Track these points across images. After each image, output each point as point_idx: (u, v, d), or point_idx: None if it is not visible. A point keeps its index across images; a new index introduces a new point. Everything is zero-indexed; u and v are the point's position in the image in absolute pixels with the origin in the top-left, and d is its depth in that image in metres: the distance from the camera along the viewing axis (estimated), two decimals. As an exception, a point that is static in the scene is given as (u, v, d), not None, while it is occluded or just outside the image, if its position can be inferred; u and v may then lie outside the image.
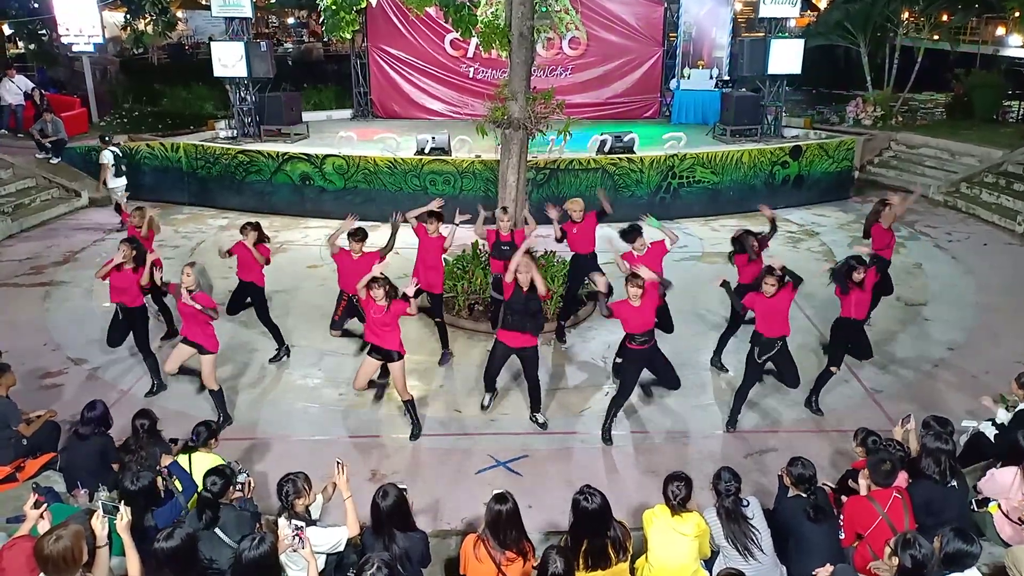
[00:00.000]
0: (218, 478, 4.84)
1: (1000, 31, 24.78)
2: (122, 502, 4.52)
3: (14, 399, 6.50)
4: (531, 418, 7.60)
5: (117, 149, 13.61)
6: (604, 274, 7.43)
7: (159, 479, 5.20)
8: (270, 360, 8.80)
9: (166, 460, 5.63)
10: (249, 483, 5.33)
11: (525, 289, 7.07)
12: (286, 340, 8.95)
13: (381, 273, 7.00)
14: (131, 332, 8.06)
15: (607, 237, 8.39)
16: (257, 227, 8.46)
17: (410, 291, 6.97)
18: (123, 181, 13.63)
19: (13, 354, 7.61)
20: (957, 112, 19.92)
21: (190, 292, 7.07)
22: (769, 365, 7.50)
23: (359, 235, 8.24)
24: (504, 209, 8.81)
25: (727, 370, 8.58)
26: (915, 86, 20.45)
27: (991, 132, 17.83)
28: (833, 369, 7.66)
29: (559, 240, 8.94)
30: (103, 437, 5.99)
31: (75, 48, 18.58)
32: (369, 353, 7.21)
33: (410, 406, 7.37)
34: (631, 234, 7.99)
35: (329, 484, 5.28)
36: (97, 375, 8.48)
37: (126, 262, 7.67)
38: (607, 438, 7.29)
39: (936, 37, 22.14)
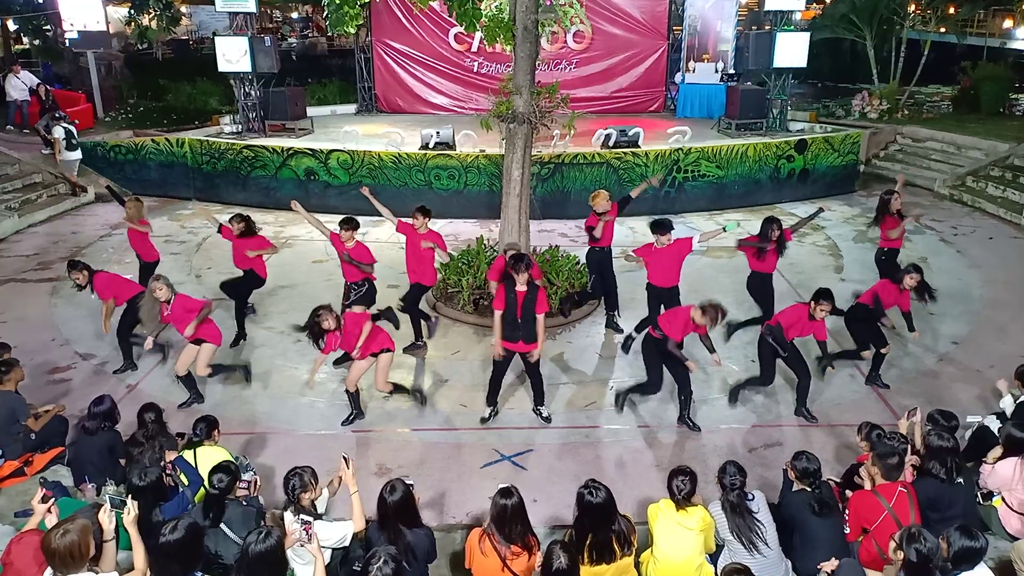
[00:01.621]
0: (224, 475, 4.86)
1: (1007, 23, 24.68)
2: (129, 496, 4.55)
3: (23, 394, 6.55)
4: (534, 411, 7.61)
5: (69, 125, 14.58)
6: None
7: (163, 474, 5.22)
8: (231, 345, 8.88)
9: (170, 455, 5.65)
10: (255, 482, 5.36)
11: (520, 299, 7.04)
12: (292, 332, 9.01)
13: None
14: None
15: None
16: (245, 219, 8.81)
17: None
18: (77, 155, 14.70)
19: (21, 349, 7.66)
20: (963, 105, 19.84)
21: (168, 303, 7.15)
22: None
23: (351, 224, 8.38)
24: (513, 247, 8.83)
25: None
26: (921, 79, 20.39)
27: (998, 125, 17.76)
28: (865, 354, 7.87)
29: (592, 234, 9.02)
30: (111, 432, 6.03)
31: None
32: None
33: (396, 390, 7.49)
34: (661, 228, 8.04)
35: (335, 478, 5.30)
36: (105, 370, 8.50)
37: (83, 284, 7.97)
38: (620, 405, 7.46)
39: (943, 30, 22.04)
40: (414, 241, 8.52)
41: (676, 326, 6.95)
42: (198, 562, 4.13)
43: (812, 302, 7.02)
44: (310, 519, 4.40)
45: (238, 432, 7.24)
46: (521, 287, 7.01)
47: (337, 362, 8.40)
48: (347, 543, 4.85)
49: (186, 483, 5.36)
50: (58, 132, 14.39)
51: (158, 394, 7.88)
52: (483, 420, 7.53)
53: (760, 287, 8.73)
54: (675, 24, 19.82)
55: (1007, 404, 6.49)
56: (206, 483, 5.40)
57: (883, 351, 7.95)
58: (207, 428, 5.76)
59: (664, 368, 7.27)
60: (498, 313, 7.14)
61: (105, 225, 13.72)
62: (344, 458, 5.02)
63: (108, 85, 20.03)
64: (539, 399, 7.58)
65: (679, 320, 6.96)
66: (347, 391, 7.46)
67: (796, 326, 7.15)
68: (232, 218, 8.82)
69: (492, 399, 7.58)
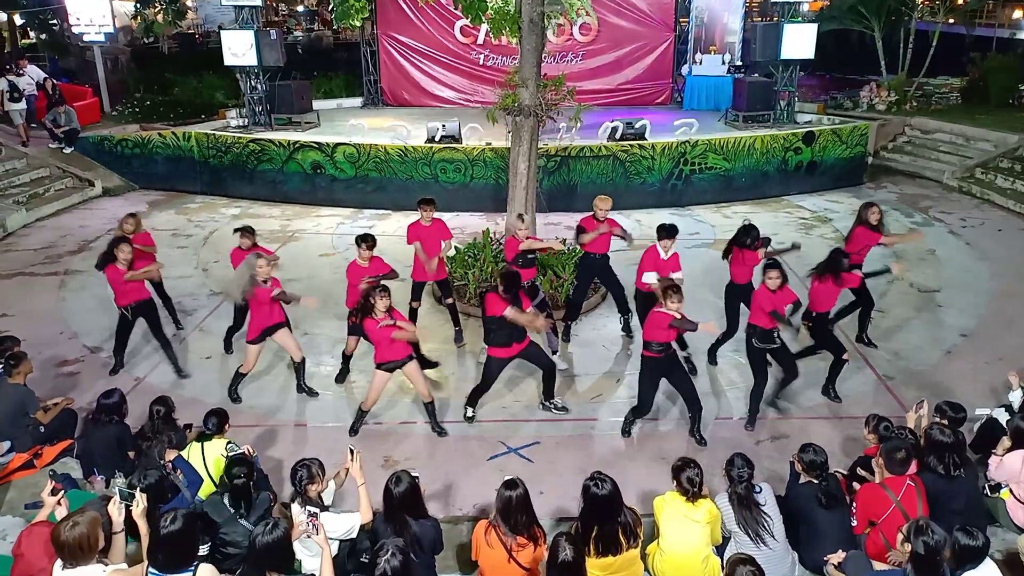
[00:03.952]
0: (242, 467, 4.90)
1: (1017, 14, 24.50)
2: (138, 489, 4.58)
3: (31, 387, 6.58)
4: (543, 405, 7.53)
5: (16, 78, 15.96)
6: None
7: (165, 473, 5.24)
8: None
9: (171, 455, 5.60)
10: (248, 450, 5.38)
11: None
12: (299, 326, 9.01)
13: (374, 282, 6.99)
14: (148, 324, 8.13)
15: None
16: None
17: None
18: (22, 105, 15.85)
19: (30, 342, 7.67)
20: (972, 97, 19.68)
21: (265, 282, 7.15)
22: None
23: (368, 241, 7.86)
24: (520, 216, 8.68)
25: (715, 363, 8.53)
26: (930, 70, 20.24)
27: (1007, 117, 17.62)
28: (845, 357, 7.65)
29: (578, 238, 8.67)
30: (119, 425, 6.06)
31: (86, 38, 18.68)
32: (379, 367, 6.89)
33: (430, 408, 7.22)
34: (667, 231, 7.80)
35: (342, 470, 5.31)
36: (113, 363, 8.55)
37: (121, 263, 7.70)
38: (626, 432, 7.22)
39: (951, 20, 21.87)
40: (429, 239, 8.40)
41: (657, 327, 6.69)
42: (196, 552, 4.16)
43: (763, 274, 6.94)
44: (316, 511, 4.42)
45: (247, 425, 7.27)
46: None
47: (339, 380, 8.26)
48: (354, 535, 4.87)
49: (185, 484, 5.34)
50: (1, 84, 15.53)
51: (166, 387, 7.92)
52: (468, 419, 7.44)
53: (732, 298, 8.20)
54: (682, 16, 19.71)
55: (1016, 397, 6.45)
56: (214, 478, 5.44)
57: (844, 357, 7.72)
58: (218, 422, 5.77)
59: (657, 390, 7.09)
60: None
61: (112, 219, 13.73)
62: (351, 450, 5.04)
63: (114, 79, 20.03)
64: (549, 392, 7.52)
65: (655, 320, 6.68)
66: (361, 409, 7.20)
67: (767, 306, 6.94)
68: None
69: (474, 401, 7.43)
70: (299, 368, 7.89)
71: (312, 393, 7.90)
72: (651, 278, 7.59)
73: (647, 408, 7.09)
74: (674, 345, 6.99)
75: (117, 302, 7.93)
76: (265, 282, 7.17)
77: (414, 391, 7.67)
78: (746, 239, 7.86)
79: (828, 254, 7.47)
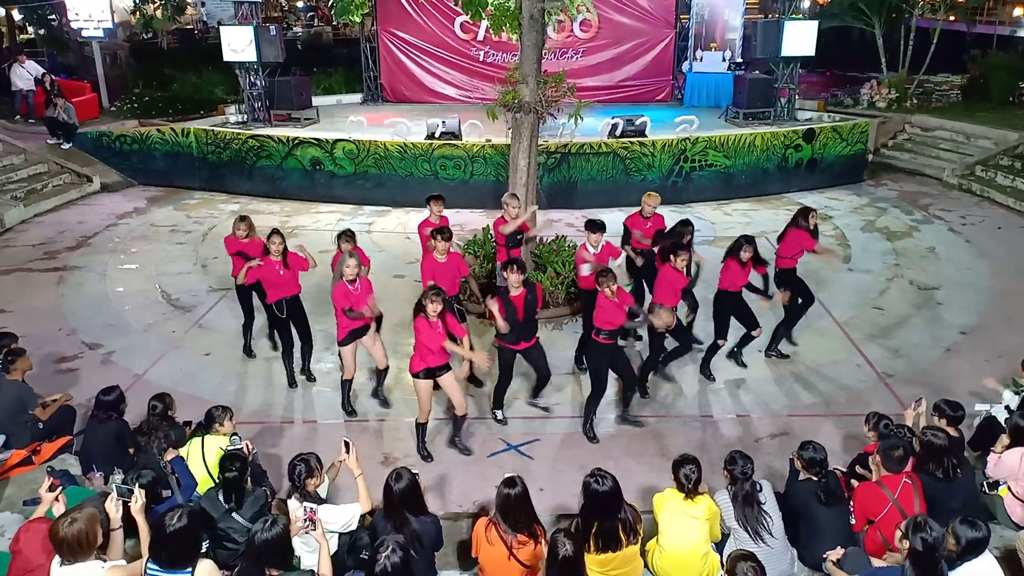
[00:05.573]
0: (236, 462, 4.89)
1: (1017, 11, 24.46)
2: (136, 485, 4.57)
3: (30, 383, 6.56)
4: (529, 402, 7.52)
5: None
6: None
7: (164, 474, 5.22)
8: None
9: (170, 455, 5.56)
10: (247, 445, 5.39)
11: (520, 303, 6.78)
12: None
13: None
14: (295, 324, 7.79)
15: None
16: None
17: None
18: None
19: (29, 339, 7.66)
20: (973, 94, 19.65)
21: (352, 283, 6.93)
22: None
23: (445, 234, 7.49)
24: (514, 195, 8.70)
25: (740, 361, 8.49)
26: (930, 68, 20.19)
27: (1007, 114, 17.59)
28: (720, 342, 7.96)
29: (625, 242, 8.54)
30: (119, 421, 6.04)
31: (85, 33, 18.61)
32: (424, 377, 6.51)
33: (460, 421, 6.89)
34: (593, 227, 7.81)
35: (336, 462, 5.30)
36: (112, 360, 8.54)
37: (275, 255, 7.43)
38: (591, 436, 7.13)
39: (952, 18, 21.82)
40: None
41: (609, 315, 6.68)
42: (200, 549, 4.15)
43: (671, 256, 7.23)
44: (314, 506, 4.41)
45: (247, 422, 7.24)
46: (516, 291, 6.80)
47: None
48: (354, 526, 4.87)
49: (179, 486, 5.33)
50: None
51: (167, 383, 7.90)
52: (503, 422, 7.39)
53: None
54: (682, 12, 19.67)
55: (1008, 398, 6.46)
56: (214, 474, 5.43)
57: (717, 343, 8.03)
58: (219, 419, 5.76)
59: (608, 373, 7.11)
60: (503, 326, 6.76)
61: (111, 215, 13.75)
62: (345, 443, 5.04)
63: (113, 75, 19.96)
64: (537, 392, 7.51)
65: (605, 307, 6.68)
66: (418, 423, 6.86)
67: (669, 283, 7.29)
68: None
69: (499, 401, 7.43)
70: (380, 375, 7.62)
71: (385, 404, 7.66)
72: (586, 270, 7.82)
73: (602, 392, 7.11)
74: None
75: (266, 299, 7.68)
76: (352, 281, 6.93)
77: (410, 383, 7.63)
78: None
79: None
